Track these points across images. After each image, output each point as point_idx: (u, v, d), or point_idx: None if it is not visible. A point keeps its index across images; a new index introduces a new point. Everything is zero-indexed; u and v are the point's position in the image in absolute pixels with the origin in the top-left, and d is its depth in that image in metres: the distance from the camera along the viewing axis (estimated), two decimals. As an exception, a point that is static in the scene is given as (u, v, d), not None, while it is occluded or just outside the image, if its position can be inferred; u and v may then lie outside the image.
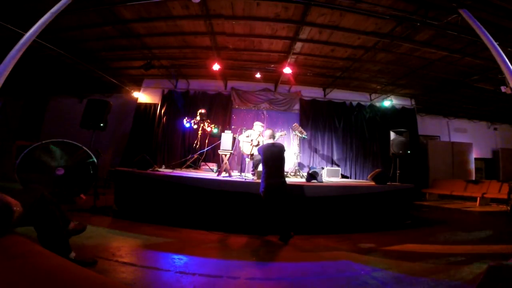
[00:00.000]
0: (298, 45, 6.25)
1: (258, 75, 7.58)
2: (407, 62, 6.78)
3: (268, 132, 3.74)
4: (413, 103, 9.26)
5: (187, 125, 7.01)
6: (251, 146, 5.11)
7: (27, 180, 4.05)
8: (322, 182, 4.67)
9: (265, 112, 8.48)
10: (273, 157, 3.47)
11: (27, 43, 3.30)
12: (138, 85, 8.95)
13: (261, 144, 5.22)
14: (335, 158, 8.35)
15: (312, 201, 3.81)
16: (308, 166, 7.79)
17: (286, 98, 8.61)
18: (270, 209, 3.30)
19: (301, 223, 3.68)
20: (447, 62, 6.43)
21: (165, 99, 8.53)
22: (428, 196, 8.43)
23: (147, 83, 8.86)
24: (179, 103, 8.33)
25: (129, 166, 4.86)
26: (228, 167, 5.00)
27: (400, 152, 5.59)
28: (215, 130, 6.65)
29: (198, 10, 5.12)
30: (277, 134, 5.45)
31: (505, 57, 3.43)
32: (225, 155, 4.97)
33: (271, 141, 3.67)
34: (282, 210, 3.31)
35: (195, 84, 8.72)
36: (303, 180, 5.20)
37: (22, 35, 3.35)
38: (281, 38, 6.10)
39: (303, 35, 5.79)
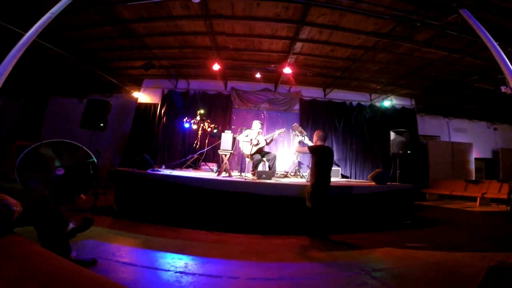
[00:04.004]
0: (298, 45, 6.25)
1: (258, 75, 7.58)
2: (407, 62, 6.78)
3: (322, 135, 3.72)
4: (413, 103, 9.26)
5: (187, 125, 7.04)
6: (251, 146, 5.11)
7: (27, 180, 4.05)
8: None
9: (265, 112, 8.48)
10: (327, 160, 3.56)
11: (27, 43, 3.31)
12: (138, 85, 8.96)
13: (261, 143, 5.23)
14: (335, 158, 8.33)
15: (312, 201, 3.80)
16: (308, 166, 7.79)
17: (286, 98, 8.61)
18: (315, 208, 3.38)
19: (301, 223, 3.67)
20: (447, 62, 6.43)
21: (165, 99, 8.53)
22: (428, 196, 8.42)
23: (147, 83, 8.86)
24: (179, 103, 8.34)
25: (129, 166, 4.86)
26: (228, 167, 5.00)
27: (400, 152, 5.59)
28: (214, 131, 6.67)
29: (198, 10, 5.12)
30: (277, 132, 5.46)
31: (505, 57, 3.43)
32: (225, 155, 4.98)
33: (324, 143, 3.68)
34: (323, 210, 3.41)
35: (195, 84, 8.72)
36: (303, 180, 5.20)
37: (22, 35, 3.35)
38: (281, 38, 6.10)
39: (303, 35, 5.79)
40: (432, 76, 7.38)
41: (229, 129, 5.89)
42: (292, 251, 2.91)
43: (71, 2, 3.57)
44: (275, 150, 7.69)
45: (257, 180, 4.23)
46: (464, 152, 9.52)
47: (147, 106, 8.71)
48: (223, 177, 4.57)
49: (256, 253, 2.72)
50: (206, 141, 6.57)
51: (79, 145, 4.62)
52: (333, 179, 6.32)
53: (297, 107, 8.69)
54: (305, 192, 3.58)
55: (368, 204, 4.08)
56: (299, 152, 3.95)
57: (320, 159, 3.52)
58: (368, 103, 9.04)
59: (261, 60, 7.21)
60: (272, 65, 7.27)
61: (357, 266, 2.41)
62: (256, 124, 5.50)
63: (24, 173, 4.12)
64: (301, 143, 3.89)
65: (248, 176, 4.77)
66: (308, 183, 3.71)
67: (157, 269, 2.12)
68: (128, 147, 8.26)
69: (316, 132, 3.78)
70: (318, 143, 3.67)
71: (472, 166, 9.51)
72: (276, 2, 4.79)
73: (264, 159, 5.36)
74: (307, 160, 8.21)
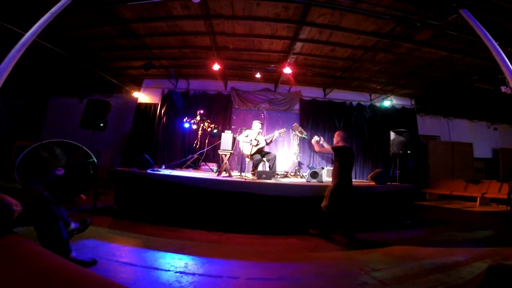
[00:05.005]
0: (298, 45, 6.25)
1: (258, 75, 7.58)
2: (407, 62, 6.78)
3: (344, 135, 3.76)
4: (413, 103, 9.26)
5: (187, 125, 7.05)
6: (251, 146, 5.11)
7: (27, 180, 4.05)
8: (322, 182, 4.67)
9: (265, 112, 8.48)
10: (350, 160, 3.62)
11: (27, 43, 3.30)
12: (138, 85, 8.95)
13: (261, 143, 5.23)
14: (335, 158, 8.34)
15: (312, 201, 3.80)
16: (308, 166, 7.79)
17: (286, 98, 8.61)
18: (336, 207, 3.42)
19: (301, 223, 3.68)
20: (447, 62, 6.43)
21: (165, 99, 8.53)
22: (428, 196, 8.42)
23: (147, 83, 8.86)
24: (179, 103, 8.33)
25: (129, 166, 4.86)
26: (228, 167, 5.00)
27: (400, 152, 5.59)
28: (214, 131, 6.68)
29: (198, 10, 5.12)
30: (277, 132, 5.46)
31: (505, 57, 3.43)
32: (225, 155, 4.98)
33: (346, 144, 3.71)
34: (346, 208, 3.47)
35: (195, 84, 8.72)
36: (303, 180, 5.20)
37: (22, 35, 3.35)
38: (281, 38, 6.09)
39: (303, 35, 5.79)
40: (432, 76, 7.37)
41: (229, 129, 5.89)
42: (292, 251, 2.91)
43: (71, 2, 3.57)
44: (275, 150, 7.69)
45: (257, 180, 4.23)
46: (464, 152, 9.51)
47: (147, 106, 8.71)
48: (223, 177, 4.57)
49: (256, 253, 2.72)
50: (206, 141, 6.57)
51: (79, 145, 4.62)
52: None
53: (297, 107, 8.69)
54: (325, 191, 3.58)
55: (368, 204, 4.08)
56: (319, 152, 4.01)
57: (345, 160, 3.57)
58: (368, 103, 9.04)
59: (261, 60, 7.21)
60: (272, 65, 7.26)
61: (357, 266, 2.41)
62: (256, 124, 5.50)
63: (24, 173, 4.12)
64: (318, 143, 3.92)
65: (248, 176, 4.77)
66: (325, 184, 3.70)
67: (157, 269, 2.12)
68: (128, 147, 8.26)
69: (337, 132, 3.82)
70: (340, 143, 3.69)
71: (472, 166, 9.50)
72: (276, 2, 4.79)
73: (264, 159, 5.36)
74: (307, 160, 8.22)
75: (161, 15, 5.37)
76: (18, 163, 4.13)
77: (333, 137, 3.92)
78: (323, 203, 3.48)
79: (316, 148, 3.92)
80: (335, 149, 3.66)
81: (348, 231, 3.50)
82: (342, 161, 3.57)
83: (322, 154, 8.35)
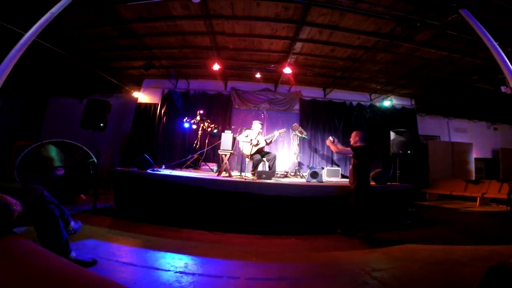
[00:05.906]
0: (298, 45, 6.25)
1: (258, 75, 7.58)
2: (407, 62, 6.78)
3: (363, 136, 3.72)
4: (413, 103, 9.25)
5: (187, 125, 7.05)
6: (251, 146, 5.11)
7: (27, 180, 4.06)
8: (322, 182, 4.67)
9: (265, 112, 8.48)
10: (369, 160, 3.65)
11: (27, 43, 3.31)
12: (138, 85, 8.95)
13: (261, 143, 5.23)
14: (335, 158, 8.35)
15: (312, 201, 3.81)
16: (308, 166, 7.79)
17: (286, 98, 8.61)
18: (361, 208, 3.44)
19: (301, 223, 3.68)
20: (447, 62, 6.43)
21: (165, 99, 8.52)
22: (428, 196, 8.42)
23: (147, 83, 8.85)
24: (179, 103, 8.33)
25: (129, 166, 4.86)
26: (228, 167, 5.00)
27: (400, 152, 5.59)
28: (214, 131, 6.68)
29: (198, 10, 5.12)
30: (277, 132, 5.46)
31: (505, 57, 3.43)
32: (225, 155, 4.98)
33: (365, 144, 3.68)
34: (368, 209, 3.48)
35: (195, 84, 8.72)
36: (303, 180, 5.20)
37: (22, 35, 3.35)
38: (281, 38, 6.09)
39: (303, 35, 5.79)
40: (432, 76, 7.38)
41: (229, 129, 5.89)
42: (292, 251, 2.91)
43: (71, 2, 3.57)
44: (275, 150, 7.69)
45: (257, 180, 4.24)
46: (464, 152, 9.52)
47: (147, 106, 8.71)
48: (223, 177, 4.57)
49: (256, 253, 2.72)
50: (206, 141, 6.57)
51: (79, 145, 4.63)
52: (333, 179, 6.36)
53: (297, 107, 8.69)
54: (351, 193, 3.57)
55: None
56: (338, 152, 3.98)
57: (364, 160, 3.57)
58: (368, 103, 9.03)
59: (261, 60, 7.21)
60: (272, 65, 7.26)
61: (357, 266, 2.41)
62: (256, 124, 5.50)
63: (24, 173, 4.12)
64: (334, 143, 3.88)
65: (248, 176, 4.77)
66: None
67: (157, 269, 2.12)
68: (128, 147, 8.26)
69: (356, 132, 3.76)
70: (359, 144, 3.64)
71: (472, 166, 9.50)
72: (276, 2, 4.79)
73: (264, 159, 5.36)
74: (307, 160, 8.22)
75: (161, 15, 5.36)
76: (18, 163, 4.14)
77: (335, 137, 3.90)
78: (349, 203, 3.50)
79: (334, 148, 3.86)
80: (354, 149, 3.61)
81: (351, 231, 3.49)
82: (361, 161, 3.55)
83: (322, 154, 8.36)
